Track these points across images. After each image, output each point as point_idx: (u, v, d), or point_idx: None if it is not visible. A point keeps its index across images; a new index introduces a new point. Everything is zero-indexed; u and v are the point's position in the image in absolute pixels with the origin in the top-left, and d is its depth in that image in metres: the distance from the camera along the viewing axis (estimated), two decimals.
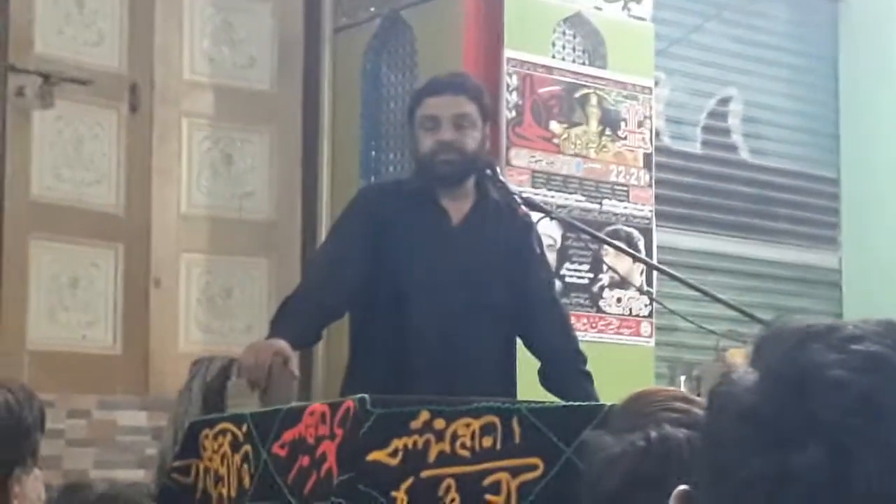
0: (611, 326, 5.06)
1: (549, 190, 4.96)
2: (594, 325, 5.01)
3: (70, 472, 4.36)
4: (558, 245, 4.93)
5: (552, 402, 2.82)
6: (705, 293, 3.58)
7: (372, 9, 5.28)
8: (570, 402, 2.69)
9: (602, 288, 5.07)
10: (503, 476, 2.36)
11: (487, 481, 2.36)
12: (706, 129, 6.13)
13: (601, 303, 5.06)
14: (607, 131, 5.13)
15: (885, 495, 0.83)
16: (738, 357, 5.06)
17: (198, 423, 2.85)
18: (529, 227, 3.43)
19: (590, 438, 1.58)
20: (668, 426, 1.51)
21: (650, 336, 5.15)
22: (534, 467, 2.38)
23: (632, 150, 5.19)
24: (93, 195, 4.88)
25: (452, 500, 2.33)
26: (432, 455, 2.34)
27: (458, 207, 3.35)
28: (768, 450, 0.85)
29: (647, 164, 5.23)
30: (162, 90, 5.06)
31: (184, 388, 3.11)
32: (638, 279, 5.08)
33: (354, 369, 3.36)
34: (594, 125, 5.11)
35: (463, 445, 2.36)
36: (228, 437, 2.70)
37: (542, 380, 3.36)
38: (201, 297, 5.08)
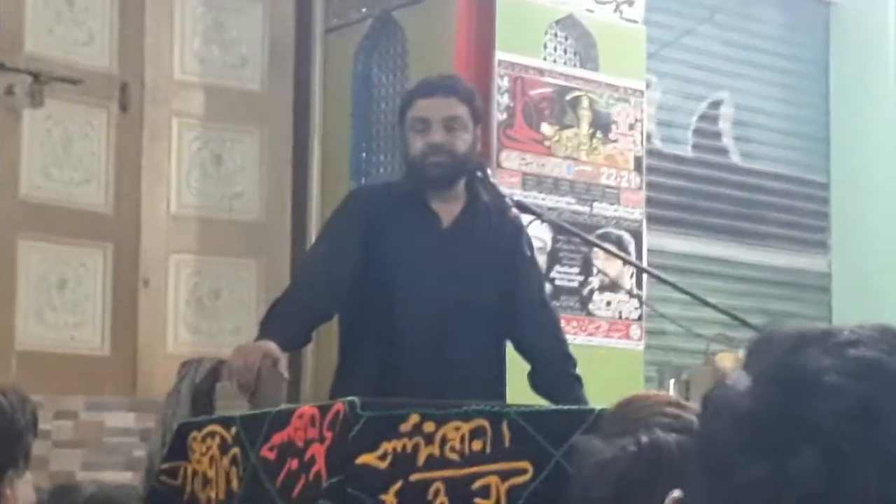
0: (600, 329, 5.05)
1: (540, 192, 4.95)
2: (584, 328, 5.00)
3: (57, 474, 4.34)
4: (548, 248, 4.92)
5: (542, 406, 2.82)
6: (695, 297, 3.58)
7: (363, 9, 5.27)
8: (560, 406, 2.69)
9: (592, 291, 5.06)
10: (492, 480, 2.36)
11: (477, 485, 2.35)
12: (697, 132, 6.14)
13: (591, 306, 5.05)
14: (598, 134, 5.13)
15: (882, 501, 0.83)
16: (728, 361, 5.06)
17: (186, 425, 2.84)
18: (520, 229, 3.43)
19: (580, 443, 1.57)
20: (659, 431, 1.51)
21: (640, 339, 5.15)
22: (523, 471, 2.37)
23: (622, 153, 5.19)
24: (82, 195, 4.87)
25: None
26: (422, 458, 2.33)
27: (448, 210, 3.34)
28: (764, 455, 0.85)
29: (638, 166, 5.23)
30: (152, 90, 5.05)
31: (172, 389, 3.10)
32: (628, 282, 5.08)
33: (344, 371, 3.35)
34: (585, 128, 5.10)
35: (452, 449, 2.35)
36: (217, 439, 2.68)
37: (532, 383, 3.35)
38: (190, 297, 5.06)
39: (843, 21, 6.41)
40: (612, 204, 5.14)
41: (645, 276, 5.03)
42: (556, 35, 5.14)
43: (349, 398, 2.36)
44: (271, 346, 3.03)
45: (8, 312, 4.66)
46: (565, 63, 5.13)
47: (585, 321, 5.02)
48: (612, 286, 4.99)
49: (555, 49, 5.13)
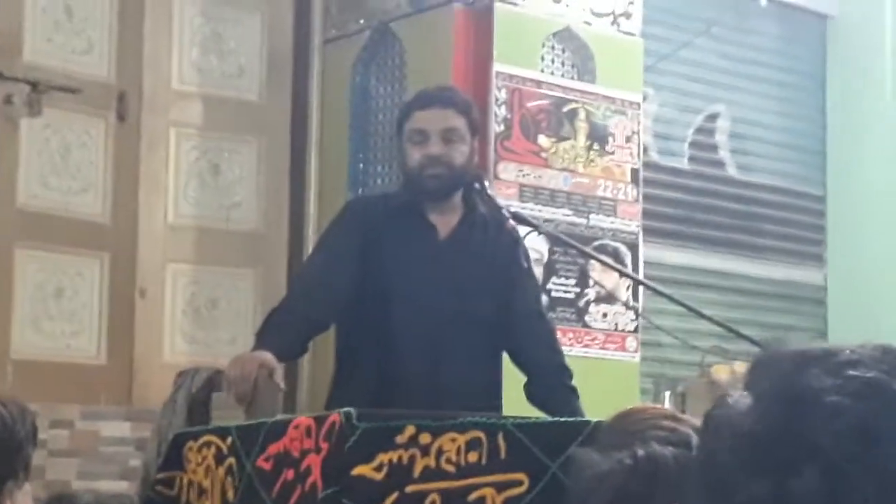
0: (596, 341, 5.06)
1: (537, 204, 4.96)
2: (580, 339, 5.01)
3: (52, 483, 4.34)
4: (545, 259, 4.93)
5: (538, 418, 2.82)
6: (691, 309, 3.58)
7: (361, 21, 5.28)
8: (556, 418, 2.69)
9: (588, 303, 5.07)
10: (488, 491, 2.36)
11: (472, 497, 2.35)
12: (693, 144, 6.15)
13: (587, 317, 5.06)
14: (595, 146, 5.14)
15: None
16: (723, 373, 5.07)
17: (182, 435, 2.84)
18: (517, 241, 3.43)
19: (577, 455, 1.57)
20: (656, 444, 1.51)
21: (636, 351, 5.15)
22: (519, 483, 2.37)
23: (619, 165, 5.20)
24: (79, 204, 4.87)
25: None
26: (417, 470, 2.33)
27: (445, 221, 3.35)
28: (765, 474, 0.85)
29: (635, 179, 5.24)
30: (150, 99, 5.05)
31: (169, 399, 3.10)
32: (624, 294, 5.08)
33: (340, 382, 3.35)
34: (582, 140, 5.11)
35: (448, 460, 2.35)
36: (213, 449, 2.69)
37: (528, 395, 3.35)
38: (187, 307, 5.06)
39: (839, 34, 6.43)
40: (609, 216, 5.15)
41: (641, 287, 5.03)
42: (553, 47, 5.15)
43: (345, 409, 2.36)
44: (268, 356, 3.03)
45: (4, 321, 4.66)
46: (563, 75, 5.14)
47: (581, 333, 5.03)
48: (609, 298, 5.00)
49: (552, 61, 5.14)
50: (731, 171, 6.25)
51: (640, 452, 1.50)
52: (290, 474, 2.44)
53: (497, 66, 4.92)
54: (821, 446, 0.84)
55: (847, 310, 6.22)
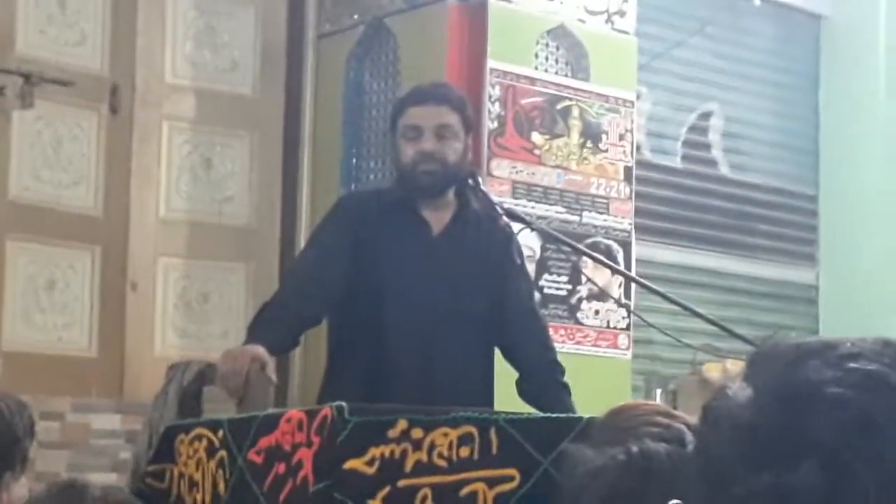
0: (588, 338, 5.06)
1: (530, 201, 4.96)
2: (572, 336, 5.01)
3: (42, 475, 4.32)
4: (537, 256, 4.93)
5: (530, 414, 2.82)
6: (684, 307, 3.58)
7: (355, 16, 5.28)
8: (548, 414, 2.69)
9: (580, 300, 5.07)
10: (480, 487, 2.36)
11: (464, 492, 2.35)
12: (686, 143, 6.15)
13: (579, 314, 5.06)
14: (588, 143, 5.14)
15: None
16: (715, 371, 5.08)
17: (173, 428, 2.83)
18: (510, 237, 3.43)
19: (570, 451, 1.57)
20: (649, 441, 1.51)
21: (627, 349, 5.16)
22: (510, 478, 2.37)
23: (612, 163, 5.20)
24: (71, 197, 4.86)
25: None
26: (409, 464, 2.33)
27: (438, 217, 3.35)
28: (764, 467, 0.85)
29: (628, 177, 5.24)
30: (143, 92, 5.04)
31: (160, 392, 3.10)
32: (616, 292, 5.09)
33: (332, 376, 3.35)
34: (575, 137, 5.11)
35: (440, 455, 2.35)
36: (204, 442, 2.68)
37: (520, 391, 3.35)
38: (178, 301, 5.05)
39: (833, 34, 6.44)
40: (602, 213, 5.15)
41: (633, 285, 5.03)
42: (547, 45, 5.15)
43: (337, 403, 2.36)
44: (259, 350, 3.03)
45: None
46: (556, 72, 5.14)
47: (573, 330, 5.03)
48: (601, 295, 5.00)
49: (546, 58, 5.14)
50: (724, 169, 6.26)
51: (634, 449, 1.50)
52: (281, 468, 2.44)
53: (491, 63, 4.92)
54: (821, 439, 0.84)
55: (839, 309, 6.23)
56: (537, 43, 5.11)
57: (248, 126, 5.24)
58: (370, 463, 2.31)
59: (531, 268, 4.56)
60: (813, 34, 6.49)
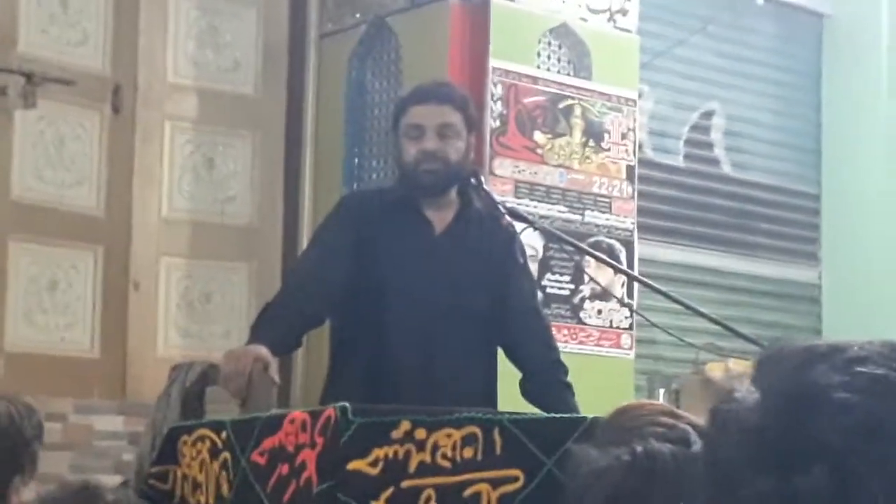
0: (591, 338, 5.05)
1: (532, 200, 4.95)
2: (574, 336, 5.01)
3: (44, 476, 4.29)
4: (540, 255, 4.93)
5: (533, 414, 2.82)
6: (686, 306, 3.57)
7: (357, 15, 5.27)
8: (552, 414, 2.68)
9: (583, 299, 5.06)
10: (484, 487, 2.35)
11: (468, 492, 2.35)
12: (689, 142, 6.15)
13: (582, 314, 5.05)
14: (591, 142, 5.13)
15: None
16: (718, 370, 5.07)
17: (176, 429, 2.83)
18: (513, 237, 3.43)
19: (575, 452, 1.57)
20: (654, 441, 1.51)
21: (630, 348, 5.15)
22: (514, 479, 2.37)
23: (615, 162, 5.20)
24: (73, 197, 4.86)
25: None
26: (413, 465, 2.33)
27: (441, 216, 3.34)
28: (771, 470, 0.85)
29: (630, 176, 5.24)
30: (145, 92, 5.04)
31: (163, 393, 3.09)
32: (619, 291, 5.08)
33: (335, 376, 3.35)
34: (578, 136, 5.11)
35: (444, 456, 2.35)
36: (207, 443, 2.68)
37: (524, 391, 3.35)
38: (181, 301, 5.05)
39: (835, 33, 6.43)
40: (604, 212, 5.15)
41: (636, 284, 5.03)
42: (549, 43, 5.15)
43: (341, 404, 2.35)
44: (262, 350, 3.02)
45: None
46: (559, 71, 5.14)
47: (576, 329, 5.02)
48: (603, 295, 5.00)
49: (548, 57, 5.14)
50: (727, 168, 6.26)
51: (639, 449, 1.50)
52: (285, 469, 2.43)
53: (493, 62, 4.92)
54: (828, 443, 0.84)
55: (842, 308, 6.23)
56: (539, 42, 5.11)
57: (251, 125, 5.24)
58: (374, 464, 2.31)
59: (534, 267, 4.56)
60: (815, 33, 6.48)
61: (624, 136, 5.22)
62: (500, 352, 3.40)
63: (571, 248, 4.16)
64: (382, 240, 3.29)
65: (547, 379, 3.35)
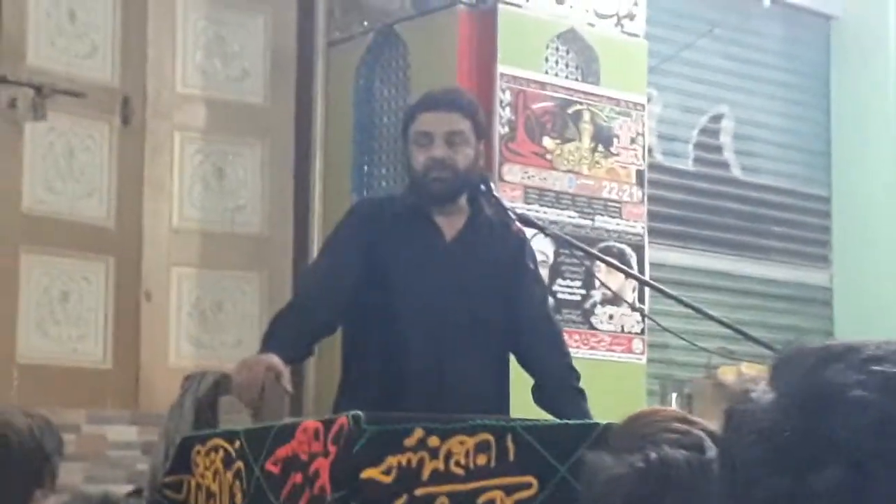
0: (602, 343, 5.05)
1: (542, 206, 4.96)
2: (586, 341, 5.00)
3: (59, 487, 4.33)
4: (551, 261, 4.93)
5: (546, 420, 2.82)
6: (697, 310, 3.57)
7: (365, 23, 5.28)
8: (565, 420, 2.68)
9: (594, 304, 5.06)
10: (497, 494, 2.36)
11: (481, 499, 2.35)
12: (698, 146, 6.15)
13: (593, 319, 5.05)
14: (600, 147, 5.14)
15: None
16: (729, 374, 5.07)
17: (189, 439, 2.84)
18: (523, 243, 3.43)
19: (589, 459, 1.57)
20: (668, 447, 1.51)
21: (642, 353, 5.15)
22: (528, 485, 2.37)
23: (624, 167, 5.20)
24: (84, 208, 4.87)
25: None
26: (426, 473, 2.33)
27: (451, 224, 3.34)
28: (787, 470, 0.85)
29: (640, 180, 5.24)
30: (154, 103, 5.06)
31: (175, 402, 3.09)
32: (630, 296, 5.08)
33: (347, 385, 3.35)
34: (587, 141, 5.11)
35: (457, 463, 2.35)
36: (221, 453, 2.68)
37: (536, 397, 3.35)
38: (192, 311, 5.06)
39: (843, 35, 6.42)
40: (614, 217, 5.15)
41: (647, 289, 5.02)
42: (557, 49, 5.15)
43: (353, 412, 2.36)
44: (274, 359, 3.02)
45: (10, 325, 4.66)
46: (567, 77, 5.14)
47: (588, 335, 5.02)
48: (615, 300, 4.99)
49: (556, 63, 5.14)
50: (736, 172, 6.25)
51: (653, 455, 1.50)
52: (298, 478, 2.44)
53: (501, 68, 4.92)
54: (844, 442, 0.84)
55: (853, 311, 6.22)
56: (547, 47, 5.11)
57: (260, 134, 5.25)
58: (387, 472, 2.31)
59: (545, 273, 4.55)
60: (823, 35, 6.48)
61: (633, 141, 5.22)
62: (513, 358, 3.39)
63: (582, 254, 4.16)
64: (393, 247, 3.29)
65: (559, 385, 3.35)
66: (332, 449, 2.36)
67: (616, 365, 5.03)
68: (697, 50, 5.99)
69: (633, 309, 5.04)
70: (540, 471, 2.37)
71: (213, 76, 5.21)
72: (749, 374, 4.69)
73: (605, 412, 2.57)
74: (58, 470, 2.19)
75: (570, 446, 2.35)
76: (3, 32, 4.73)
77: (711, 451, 1.45)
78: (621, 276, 4.75)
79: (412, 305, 3.25)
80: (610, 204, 5.14)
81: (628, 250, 5.16)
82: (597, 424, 2.44)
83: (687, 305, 3.57)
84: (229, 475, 2.64)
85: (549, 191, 5.00)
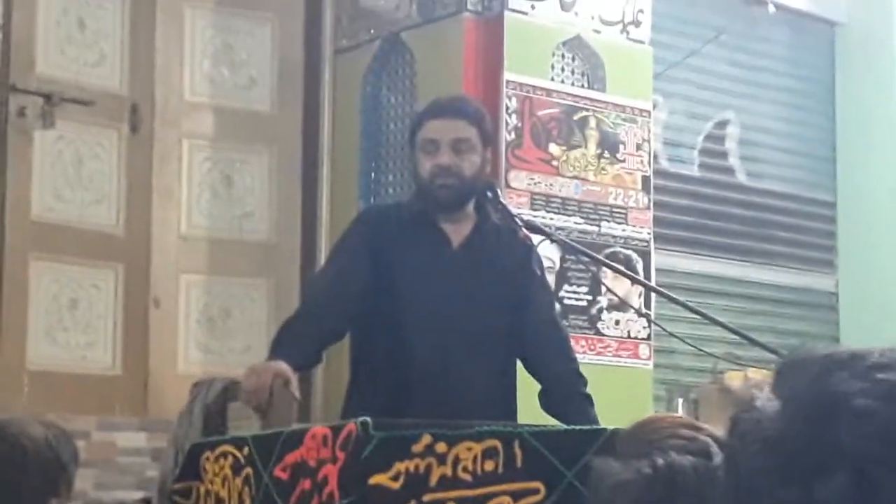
0: (609, 349, 5.06)
1: (548, 212, 4.97)
2: (593, 347, 5.02)
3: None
4: (557, 267, 4.94)
5: (554, 426, 2.83)
6: (704, 316, 3.58)
7: (372, 31, 5.30)
8: (572, 426, 2.70)
9: (601, 310, 5.08)
10: (505, 500, 2.37)
11: None
12: (704, 152, 6.15)
13: (600, 325, 5.07)
14: (606, 154, 5.15)
15: None
16: (736, 380, 5.07)
17: (199, 445, 2.85)
18: (530, 249, 3.44)
19: (596, 465, 1.58)
20: (675, 453, 1.52)
21: (648, 358, 5.16)
22: (535, 491, 2.38)
23: (630, 173, 5.21)
24: (93, 215, 4.89)
25: None
26: (434, 479, 2.34)
27: (458, 230, 3.36)
28: (792, 479, 0.85)
29: (646, 186, 5.25)
30: (162, 111, 5.08)
31: (185, 409, 3.12)
32: (636, 301, 5.09)
33: (354, 392, 3.37)
34: (593, 148, 5.13)
35: (465, 469, 2.36)
36: (229, 459, 2.70)
37: (543, 403, 3.36)
38: (200, 317, 5.08)
39: (848, 41, 6.44)
40: (620, 223, 5.16)
41: (653, 295, 5.04)
42: (563, 56, 5.17)
43: (361, 418, 2.37)
44: (283, 366, 3.04)
45: (20, 332, 4.68)
46: (573, 83, 5.15)
47: (594, 340, 5.03)
48: (621, 306, 5.01)
49: (562, 70, 5.16)
50: (742, 177, 6.26)
51: (660, 462, 1.51)
52: (307, 484, 2.45)
53: (507, 75, 4.94)
54: (849, 450, 0.84)
55: (859, 316, 6.22)
56: (553, 54, 5.13)
57: (267, 142, 5.27)
58: (395, 478, 2.32)
59: (551, 279, 4.57)
60: (828, 41, 6.49)
61: (639, 147, 5.24)
62: (520, 364, 3.41)
63: (588, 260, 4.17)
64: (400, 254, 3.31)
65: (566, 391, 3.36)
66: (340, 455, 2.37)
67: (622, 370, 5.04)
68: (703, 56, 6.00)
69: (640, 314, 5.06)
70: (547, 476, 2.38)
71: (221, 84, 5.23)
72: (755, 380, 4.70)
73: (612, 417, 2.59)
74: (73, 479, 2.21)
75: (577, 452, 2.37)
76: (13, 41, 4.76)
77: (718, 458, 1.46)
78: (627, 281, 4.77)
79: (419, 312, 3.26)
80: (616, 210, 5.16)
81: (634, 256, 5.17)
82: (604, 430, 2.45)
83: (693, 311, 3.58)
84: (238, 481, 2.65)
85: (556, 197, 5.02)
